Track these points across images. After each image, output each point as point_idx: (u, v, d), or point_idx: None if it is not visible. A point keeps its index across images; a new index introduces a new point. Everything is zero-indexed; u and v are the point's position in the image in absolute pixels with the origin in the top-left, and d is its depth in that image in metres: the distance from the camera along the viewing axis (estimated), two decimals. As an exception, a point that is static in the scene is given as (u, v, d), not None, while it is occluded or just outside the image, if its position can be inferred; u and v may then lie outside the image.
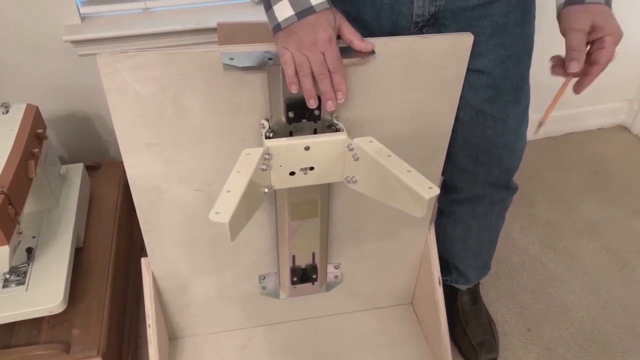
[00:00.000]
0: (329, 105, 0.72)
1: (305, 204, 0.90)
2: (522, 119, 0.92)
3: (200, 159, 0.85)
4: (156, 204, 0.88)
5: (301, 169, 0.79)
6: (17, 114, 0.94)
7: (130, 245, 1.17)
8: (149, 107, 0.77)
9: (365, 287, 1.15)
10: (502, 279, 1.34)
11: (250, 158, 0.72)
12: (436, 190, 0.67)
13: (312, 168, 0.80)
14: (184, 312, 1.09)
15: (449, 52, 0.80)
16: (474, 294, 1.20)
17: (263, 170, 0.75)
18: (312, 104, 0.72)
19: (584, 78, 0.74)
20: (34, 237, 0.96)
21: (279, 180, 0.80)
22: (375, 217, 1.01)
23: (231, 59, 0.73)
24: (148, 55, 0.72)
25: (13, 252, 0.82)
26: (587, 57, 0.73)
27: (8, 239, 0.78)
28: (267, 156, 0.75)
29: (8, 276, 0.89)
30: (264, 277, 1.06)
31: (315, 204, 0.90)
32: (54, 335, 0.88)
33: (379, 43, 0.77)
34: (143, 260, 0.98)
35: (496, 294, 1.30)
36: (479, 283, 1.22)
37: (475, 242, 1.09)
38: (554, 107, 0.80)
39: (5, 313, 0.84)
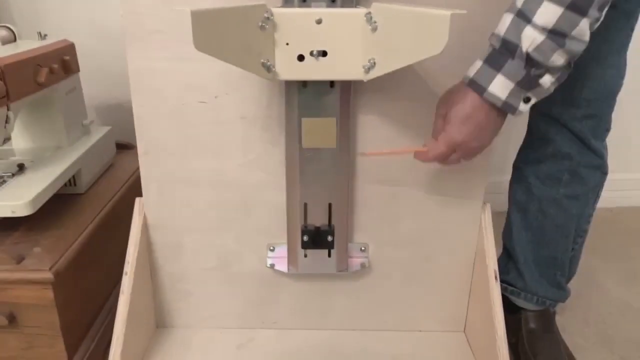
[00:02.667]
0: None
1: (320, 124, 0.76)
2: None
3: (208, 58, 0.75)
4: (156, 112, 0.79)
5: (311, 53, 0.68)
6: (50, 41, 0.94)
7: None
8: (157, -20, 0.72)
9: (400, 291, 0.91)
10: (593, 326, 1.01)
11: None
12: (459, 10, 0.52)
13: (325, 54, 0.68)
14: (177, 288, 0.90)
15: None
16: (545, 319, 0.90)
17: (262, 28, 0.64)
18: None
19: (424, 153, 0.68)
20: (32, 161, 0.88)
21: (286, 65, 0.68)
22: (408, 174, 0.82)
23: None
24: None
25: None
26: None
27: (-14, 108, 0.71)
28: (267, 14, 0.64)
29: (-14, 180, 0.80)
30: (273, 248, 0.87)
31: (331, 126, 0.76)
32: (13, 250, 0.75)
33: None
34: (137, 200, 0.85)
35: (585, 341, 0.97)
36: (553, 312, 0.92)
37: (536, 219, 0.84)
38: (382, 154, 0.79)
39: (-35, 203, 0.74)
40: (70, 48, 0.96)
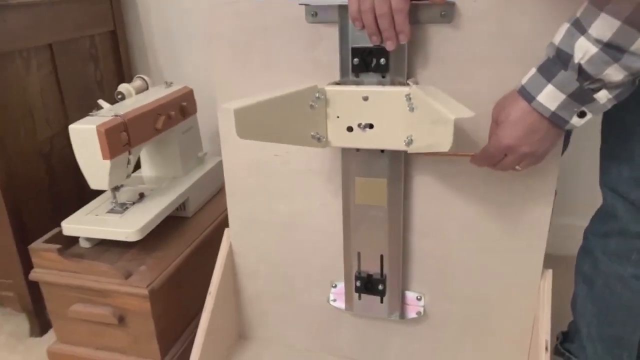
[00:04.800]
0: (388, 45, 0.69)
1: (372, 184, 0.82)
2: None
3: (279, 119, 0.87)
4: (240, 161, 0.92)
5: (359, 125, 0.75)
6: (174, 89, 1.14)
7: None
8: (240, 55, 0.85)
9: (455, 345, 0.93)
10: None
11: (294, 87, 0.72)
12: (468, 112, 0.55)
13: (371, 126, 0.74)
14: (255, 306, 1.04)
15: (548, 18, 0.69)
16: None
17: (311, 107, 0.73)
18: (374, 40, 0.70)
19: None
20: (152, 189, 1.09)
21: (336, 135, 0.76)
22: (465, 234, 0.84)
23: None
24: (242, 4, 0.81)
25: (116, 172, 0.93)
26: None
27: (111, 155, 0.91)
28: (318, 95, 0.73)
29: (114, 207, 1.01)
30: (335, 285, 0.96)
31: (382, 186, 0.82)
32: (125, 267, 0.95)
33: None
34: (226, 230, 1.00)
35: None
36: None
37: (602, 294, 0.80)
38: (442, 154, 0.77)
39: (92, 227, 0.96)
40: (189, 94, 1.14)
